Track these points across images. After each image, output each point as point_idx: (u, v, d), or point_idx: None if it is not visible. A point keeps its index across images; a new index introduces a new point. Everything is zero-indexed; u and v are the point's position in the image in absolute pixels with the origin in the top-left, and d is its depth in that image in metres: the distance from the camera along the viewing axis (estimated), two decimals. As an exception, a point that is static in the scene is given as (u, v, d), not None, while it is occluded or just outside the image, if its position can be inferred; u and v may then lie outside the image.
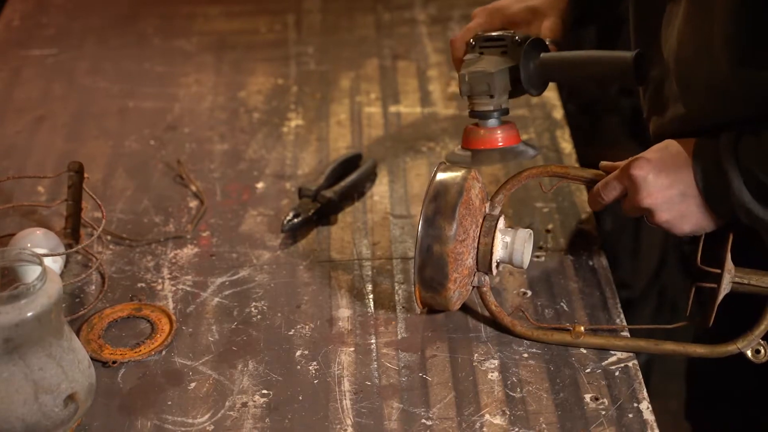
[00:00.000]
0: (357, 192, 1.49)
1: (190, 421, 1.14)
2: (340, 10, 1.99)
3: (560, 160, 1.54)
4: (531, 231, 1.22)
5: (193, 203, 1.48)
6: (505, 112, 1.26)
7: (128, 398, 1.17)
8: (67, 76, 1.81)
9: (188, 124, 1.67)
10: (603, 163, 1.22)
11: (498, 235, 1.20)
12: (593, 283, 1.31)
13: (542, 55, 1.23)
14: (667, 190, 1.15)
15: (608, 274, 1.32)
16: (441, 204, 1.17)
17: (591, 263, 1.34)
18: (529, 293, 1.29)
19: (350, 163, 1.53)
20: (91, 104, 1.73)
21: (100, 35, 1.92)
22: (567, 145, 1.57)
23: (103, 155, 1.59)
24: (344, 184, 1.47)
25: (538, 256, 1.35)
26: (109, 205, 1.47)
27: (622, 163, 1.19)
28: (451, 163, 1.25)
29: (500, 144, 1.25)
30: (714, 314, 1.16)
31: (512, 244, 1.20)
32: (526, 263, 1.21)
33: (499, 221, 1.21)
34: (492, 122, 1.25)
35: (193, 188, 1.51)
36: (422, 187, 1.49)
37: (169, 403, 1.16)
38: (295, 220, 1.40)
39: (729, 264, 1.16)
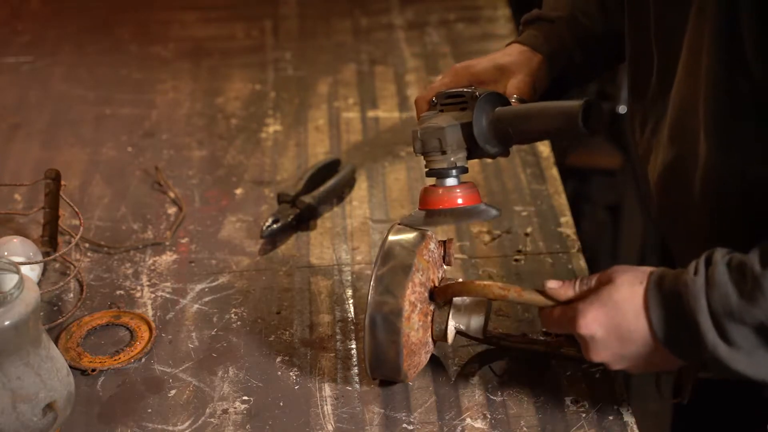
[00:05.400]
0: (336, 197, 1.49)
1: (171, 428, 1.13)
2: (317, 15, 1.99)
3: (539, 164, 1.54)
4: (487, 305, 1.15)
5: (172, 210, 1.48)
6: (463, 170, 1.15)
7: (108, 406, 1.16)
8: (43, 84, 1.80)
9: (166, 131, 1.66)
10: (549, 285, 1.07)
11: (450, 328, 1.15)
12: (573, 286, 1.31)
13: (497, 109, 1.14)
14: (617, 349, 1.04)
15: (587, 277, 1.32)
16: (382, 363, 1.13)
17: (570, 266, 1.34)
18: (509, 297, 1.29)
19: (329, 168, 1.52)
20: (68, 111, 1.72)
21: (76, 42, 1.91)
22: (545, 149, 1.58)
23: (80, 162, 1.58)
24: (323, 189, 1.47)
25: (517, 260, 1.36)
26: (87, 213, 1.46)
27: (569, 291, 1.07)
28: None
29: (459, 203, 1.15)
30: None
31: (468, 330, 1.16)
32: (483, 333, 1.17)
33: (450, 314, 1.15)
34: (450, 181, 1.15)
35: (172, 195, 1.50)
36: (401, 192, 1.50)
37: (149, 410, 1.15)
38: (275, 226, 1.40)
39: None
